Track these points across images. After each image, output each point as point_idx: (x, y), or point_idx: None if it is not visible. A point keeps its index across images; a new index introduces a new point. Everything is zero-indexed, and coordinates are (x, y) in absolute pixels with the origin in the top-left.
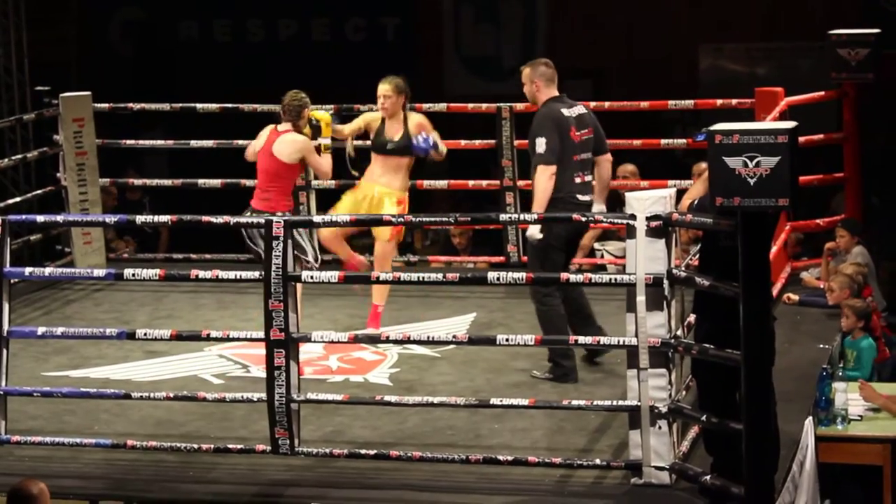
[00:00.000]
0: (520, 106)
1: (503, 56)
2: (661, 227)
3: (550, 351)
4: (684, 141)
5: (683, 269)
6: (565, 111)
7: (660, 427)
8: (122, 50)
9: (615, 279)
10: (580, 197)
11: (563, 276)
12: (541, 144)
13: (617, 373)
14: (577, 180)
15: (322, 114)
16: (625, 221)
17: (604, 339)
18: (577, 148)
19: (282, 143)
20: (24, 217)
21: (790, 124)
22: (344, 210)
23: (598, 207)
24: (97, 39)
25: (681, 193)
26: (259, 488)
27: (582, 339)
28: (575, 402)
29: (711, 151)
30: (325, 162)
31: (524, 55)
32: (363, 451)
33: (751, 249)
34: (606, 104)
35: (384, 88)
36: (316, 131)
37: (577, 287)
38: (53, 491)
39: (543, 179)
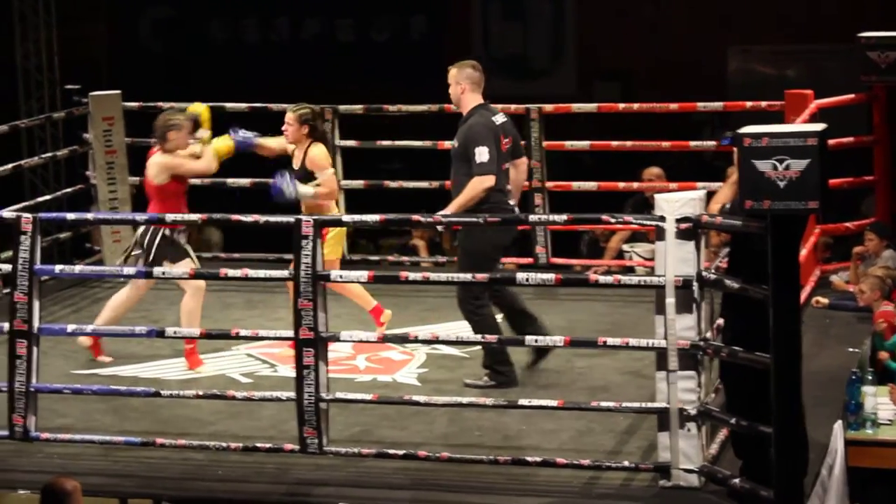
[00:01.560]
0: (549, 107)
1: (531, 56)
2: (691, 230)
3: (486, 358)
4: (713, 143)
5: (713, 271)
6: (495, 119)
7: (688, 429)
8: (151, 48)
9: (644, 281)
10: (510, 202)
11: (592, 277)
12: (482, 154)
13: (645, 374)
14: (507, 188)
15: (199, 105)
16: (654, 223)
17: (632, 341)
18: (504, 157)
19: (149, 165)
20: (54, 215)
21: (820, 127)
22: None
23: None
24: (127, 37)
25: (710, 196)
26: (287, 487)
27: (611, 341)
28: (604, 404)
29: (741, 154)
30: (203, 161)
31: (553, 56)
32: (391, 451)
33: (780, 252)
34: (635, 105)
35: (287, 116)
36: (196, 125)
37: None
38: (83, 489)
39: (479, 189)
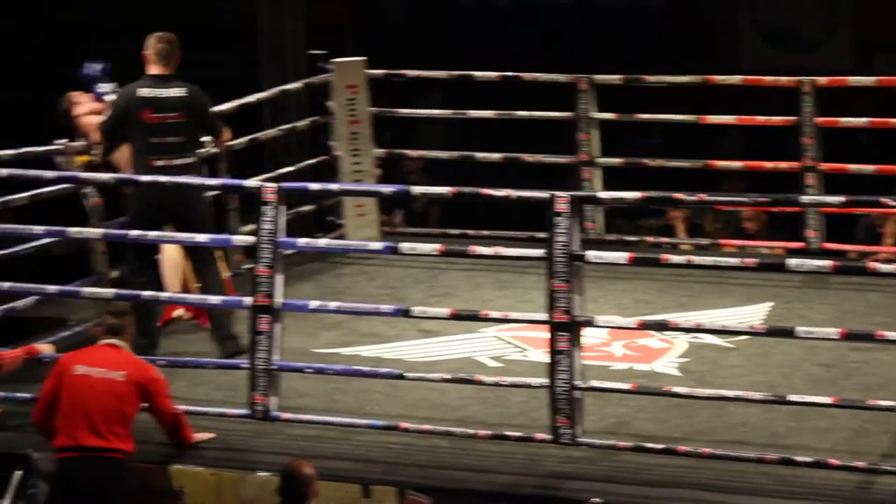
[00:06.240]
0: (823, 80)
1: (803, 26)
2: None
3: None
4: None
5: None
6: (144, 91)
7: None
8: (397, 13)
9: None
10: (156, 177)
11: (871, 265)
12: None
13: None
14: (159, 163)
15: None
16: None
17: None
18: (152, 130)
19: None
20: (297, 185)
21: None
22: None
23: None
24: (372, 2)
25: None
26: (537, 480)
27: (889, 335)
28: (882, 403)
29: None
30: None
31: (826, 25)
32: (649, 445)
33: None
34: None
35: None
36: None
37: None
38: (324, 473)
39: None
